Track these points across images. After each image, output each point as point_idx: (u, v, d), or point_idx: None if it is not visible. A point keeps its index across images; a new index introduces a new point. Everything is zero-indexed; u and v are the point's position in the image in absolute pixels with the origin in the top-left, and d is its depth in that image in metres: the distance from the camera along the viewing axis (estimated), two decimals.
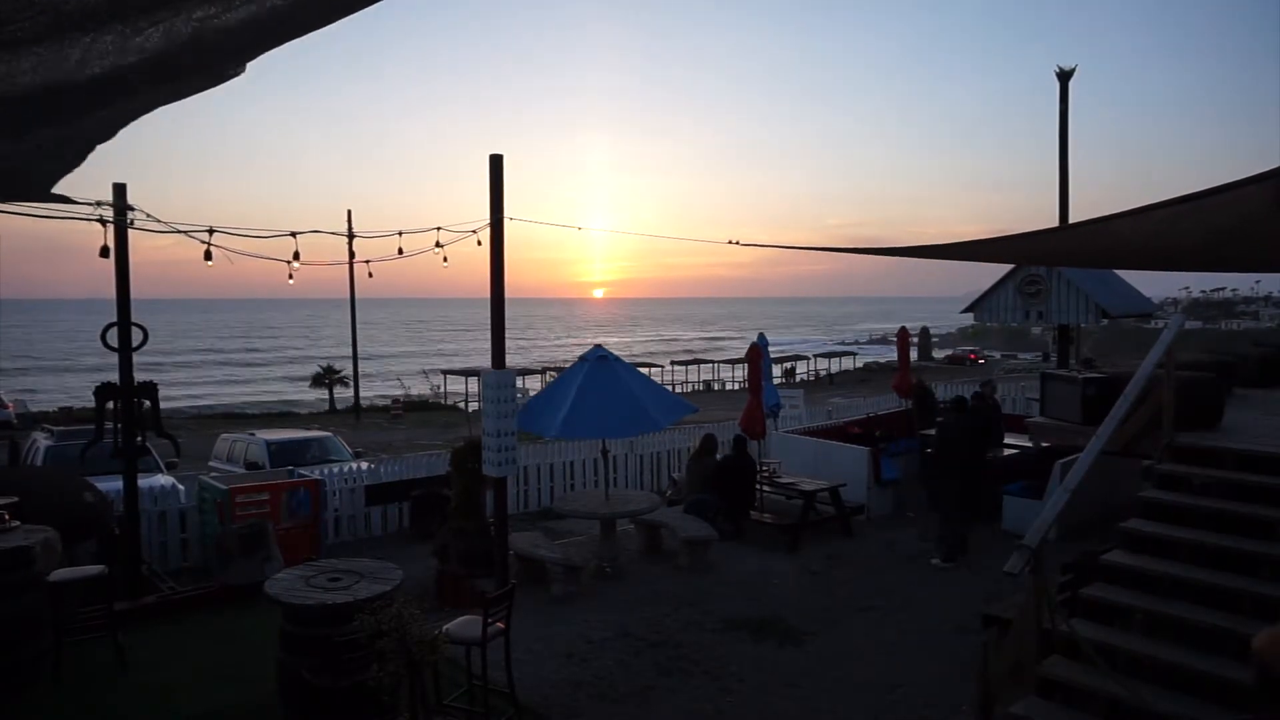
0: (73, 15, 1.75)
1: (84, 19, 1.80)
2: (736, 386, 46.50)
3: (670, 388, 36.98)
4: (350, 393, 38.55)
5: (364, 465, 12.68)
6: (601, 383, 9.22)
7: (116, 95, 2.69)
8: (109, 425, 8.24)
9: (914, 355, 23.62)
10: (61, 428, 13.75)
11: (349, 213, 30.94)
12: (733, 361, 50.50)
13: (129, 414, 8.27)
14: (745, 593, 8.67)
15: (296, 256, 7.36)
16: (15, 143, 3.13)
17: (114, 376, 8.35)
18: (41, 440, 12.52)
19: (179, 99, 2.93)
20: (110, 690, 6.41)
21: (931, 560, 9.51)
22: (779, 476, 11.54)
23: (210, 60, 2.56)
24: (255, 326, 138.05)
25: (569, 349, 79.50)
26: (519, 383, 9.04)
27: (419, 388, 46.10)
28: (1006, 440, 12.39)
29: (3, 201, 5.16)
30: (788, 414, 15.36)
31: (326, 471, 11.75)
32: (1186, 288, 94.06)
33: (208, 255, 6.96)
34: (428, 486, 11.68)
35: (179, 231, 7.14)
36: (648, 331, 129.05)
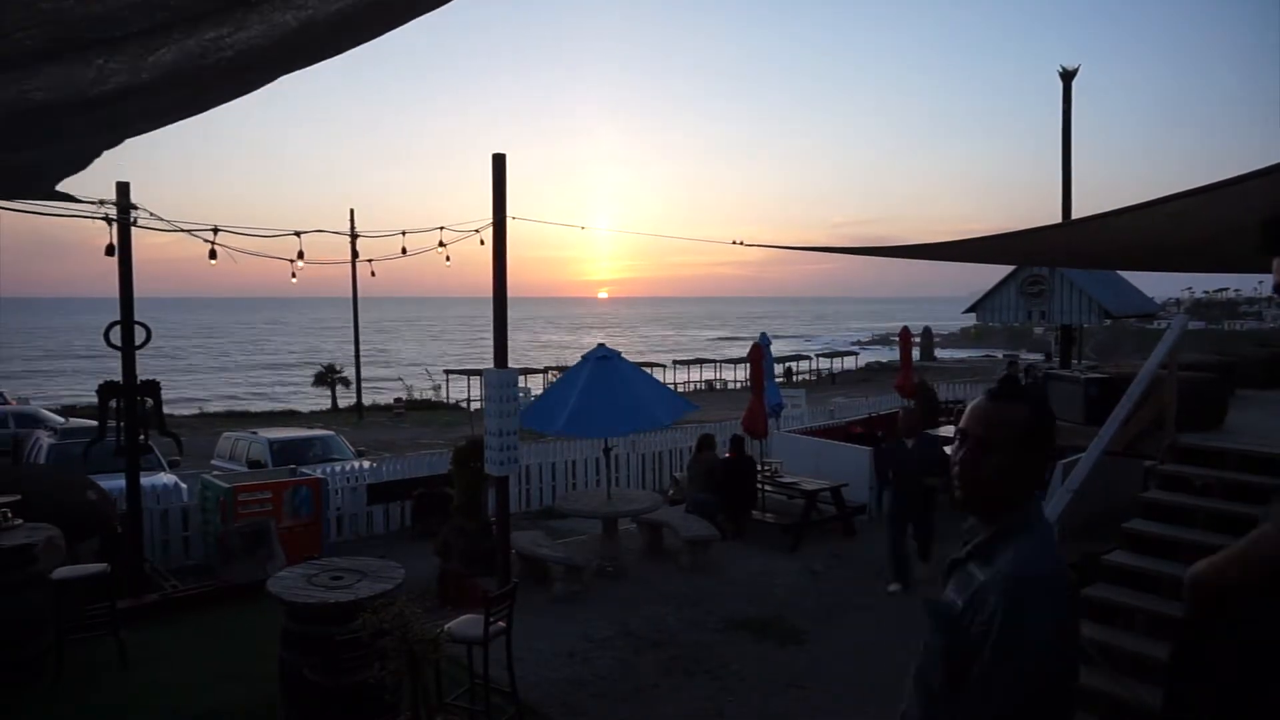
0: (78, 26, 1.74)
1: (90, 33, 1.79)
2: (738, 386, 46.46)
3: (672, 387, 36.94)
4: (351, 392, 38.55)
5: (366, 464, 12.70)
6: (605, 381, 9.24)
7: (125, 111, 2.69)
8: (112, 423, 8.26)
9: (916, 355, 23.61)
10: (64, 425, 13.80)
11: (351, 212, 31.64)
12: (735, 361, 50.41)
13: (132, 412, 8.29)
14: (747, 592, 8.67)
15: (301, 256, 7.36)
16: (21, 153, 3.13)
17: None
18: (44, 438, 12.55)
19: (188, 117, 2.93)
20: (112, 688, 6.41)
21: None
22: (781, 476, 11.54)
23: (221, 81, 2.56)
24: (255, 326, 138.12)
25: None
26: (520, 381, 9.05)
27: (420, 388, 46.06)
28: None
29: (6, 199, 5.16)
30: (790, 414, 15.37)
31: (329, 470, 11.77)
32: (1189, 288, 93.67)
33: (213, 254, 6.95)
34: (430, 485, 11.70)
35: (183, 230, 7.14)
36: (651, 333, 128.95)
